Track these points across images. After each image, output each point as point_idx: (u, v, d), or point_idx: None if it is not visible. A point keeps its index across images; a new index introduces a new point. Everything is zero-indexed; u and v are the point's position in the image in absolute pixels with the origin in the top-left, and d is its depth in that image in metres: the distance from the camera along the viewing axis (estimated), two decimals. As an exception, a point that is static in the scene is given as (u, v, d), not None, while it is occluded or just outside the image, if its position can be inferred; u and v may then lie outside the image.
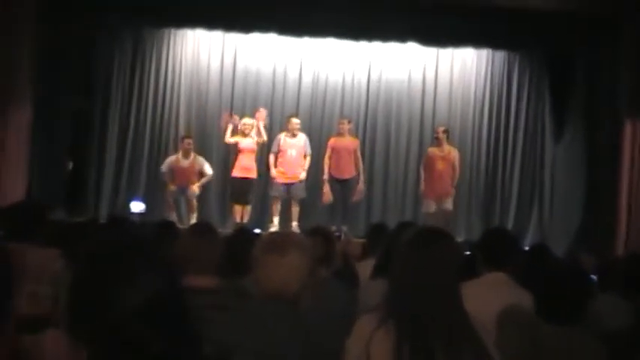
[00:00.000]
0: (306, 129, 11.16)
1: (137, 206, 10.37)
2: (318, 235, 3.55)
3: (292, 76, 11.72)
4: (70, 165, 11.01)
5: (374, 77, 11.74)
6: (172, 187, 10.25)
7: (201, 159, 10.41)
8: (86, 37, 10.89)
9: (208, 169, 10.39)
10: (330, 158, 10.25)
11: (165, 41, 11.66)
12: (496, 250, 3.49)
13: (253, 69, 11.67)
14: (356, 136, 10.86)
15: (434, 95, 11.71)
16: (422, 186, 10.15)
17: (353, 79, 11.75)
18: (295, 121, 10.32)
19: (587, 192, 10.50)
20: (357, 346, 2.04)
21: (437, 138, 10.11)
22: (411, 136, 11.68)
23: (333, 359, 2.11)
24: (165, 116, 11.57)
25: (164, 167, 10.38)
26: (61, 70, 10.43)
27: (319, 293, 2.17)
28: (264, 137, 10.34)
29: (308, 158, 10.33)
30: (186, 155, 10.30)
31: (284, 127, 10.66)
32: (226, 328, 1.94)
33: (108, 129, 11.31)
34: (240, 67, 11.67)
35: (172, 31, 11.64)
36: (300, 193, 10.27)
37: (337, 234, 8.63)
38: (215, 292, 2.64)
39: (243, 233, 4.06)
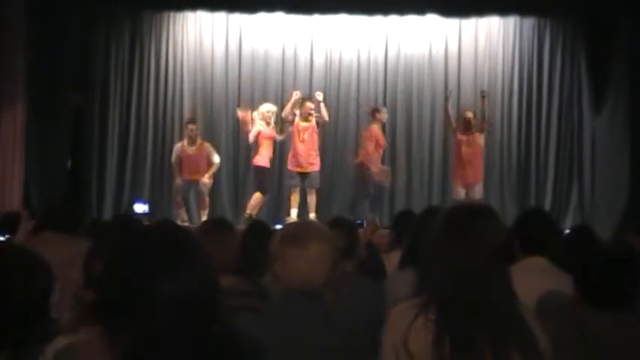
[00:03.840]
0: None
1: (140, 207, 10.47)
2: (339, 226, 3.56)
3: (303, 56, 11.70)
4: (69, 164, 11.10)
5: (392, 54, 11.70)
6: (179, 182, 10.29)
7: (208, 145, 10.45)
8: (82, 25, 10.95)
9: (216, 158, 10.43)
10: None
11: (165, 26, 11.69)
12: (534, 233, 3.49)
13: (261, 51, 11.67)
14: None
15: (458, 71, 11.65)
16: (450, 172, 10.20)
17: (369, 57, 11.71)
18: (310, 105, 10.33)
19: (631, 168, 10.42)
20: (392, 336, 2.02)
21: (466, 121, 10.10)
22: (435, 117, 11.62)
23: (362, 355, 2.13)
24: (169, 108, 11.61)
25: (173, 157, 10.44)
26: (56, 63, 10.50)
27: (345, 287, 2.19)
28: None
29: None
30: (191, 142, 10.34)
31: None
32: (249, 329, 1.97)
33: (108, 125, 11.39)
34: (246, 50, 11.68)
35: (172, 14, 11.67)
36: (315, 182, 10.28)
37: (359, 222, 8.67)
38: (233, 292, 2.66)
39: (258, 227, 4.10)
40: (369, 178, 10.20)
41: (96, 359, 1.40)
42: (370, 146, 10.22)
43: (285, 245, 2.18)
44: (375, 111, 10.45)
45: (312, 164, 10.22)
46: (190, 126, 10.40)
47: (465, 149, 9.99)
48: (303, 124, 10.23)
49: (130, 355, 1.23)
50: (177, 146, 10.48)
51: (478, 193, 10.01)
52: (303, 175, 10.25)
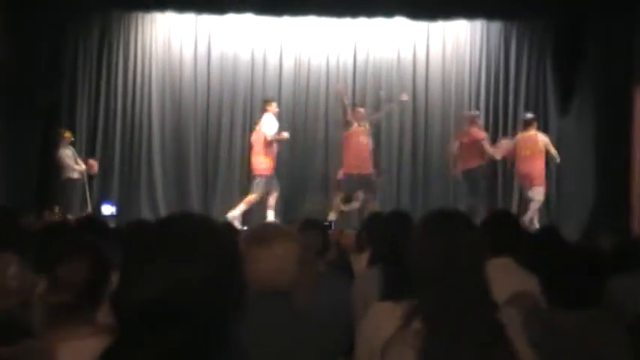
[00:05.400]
0: (290, 117, 11.24)
1: (108, 209, 10.39)
2: (311, 227, 3.59)
3: (272, 60, 11.71)
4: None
5: (360, 58, 11.77)
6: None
7: None
8: (51, 24, 10.80)
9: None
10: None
11: (134, 26, 11.63)
12: (500, 233, 3.53)
13: (230, 54, 11.65)
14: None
15: (426, 74, 11.75)
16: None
17: (338, 61, 11.76)
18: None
19: (597, 169, 10.56)
20: (369, 337, 2.01)
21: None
22: (403, 120, 11.71)
23: (331, 352, 2.14)
24: (137, 108, 11.54)
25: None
26: (25, 61, 10.36)
27: (316, 285, 2.20)
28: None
29: None
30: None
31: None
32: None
33: (76, 125, 11.27)
34: (215, 52, 11.65)
35: (141, 14, 11.60)
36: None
37: (328, 224, 8.71)
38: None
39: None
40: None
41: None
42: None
43: (249, 246, 2.20)
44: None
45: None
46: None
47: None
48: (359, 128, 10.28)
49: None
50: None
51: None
52: (359, 178, 10.22)
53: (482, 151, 10.23)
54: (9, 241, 3.73)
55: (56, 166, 10.69)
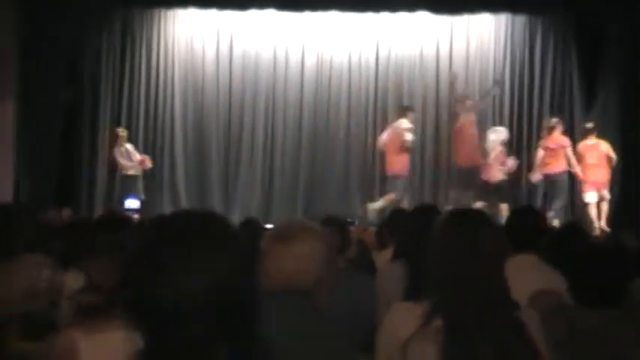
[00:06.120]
0: (312, 114, 11.26)
1: (132, 203, 10.45)
2: (331, 224, 3.58)
3: (294, 58, 11.70)
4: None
5: (382, 54, 11.71)
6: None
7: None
8: (73, 22, 10.91)
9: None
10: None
11: (156, 23, 11.68)
12: (524, 230, 3.51)
13: (252, 52, 11.67)
14: None
15: (449, 69, 11.65)
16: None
17: (360, 58, 11.72)
18: None
19: (622, 163, 10.46)
20: (389, 337, 2.03)
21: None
22: (426, 117, 11.65)
23: (353, 352, 2.14)
24: (160, 105, 11.62)
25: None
26: (47, 60, 10.47)
27: (337, 284, 2.18)
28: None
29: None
30: None
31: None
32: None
33: (99, 122, 11.36)
34: (237, 51, 11.67)
35: (163, 11, 11.65)
36: None
37: (350, 220, 8.72)
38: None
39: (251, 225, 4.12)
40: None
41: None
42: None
43: (274, 243, 2.18)
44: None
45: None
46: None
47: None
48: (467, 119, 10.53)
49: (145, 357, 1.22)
50: None
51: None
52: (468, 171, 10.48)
53: (567, 157, 10.21)
54: (34, 239, 3.76)
55: (113, 164, 10.92)
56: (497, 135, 10.48)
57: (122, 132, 10.86)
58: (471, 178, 10.50)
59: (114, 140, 10.88)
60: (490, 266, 2.02)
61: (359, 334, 2.47)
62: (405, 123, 10.39)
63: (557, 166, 10.22)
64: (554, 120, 10.49)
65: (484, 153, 10.49)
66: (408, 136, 10.29)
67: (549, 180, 10.36)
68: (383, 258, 4.06)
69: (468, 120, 10.52)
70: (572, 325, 2.62)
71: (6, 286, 3.05)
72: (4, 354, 2.35)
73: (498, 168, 10.31)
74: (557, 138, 10.27)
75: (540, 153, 10.35)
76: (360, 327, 2.65)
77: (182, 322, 1.20)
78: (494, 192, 10.27)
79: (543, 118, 11.37)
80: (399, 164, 10.36)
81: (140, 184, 10.83)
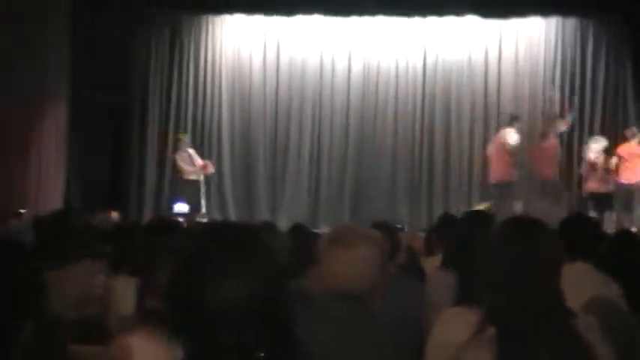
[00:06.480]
0: (358, 121, 11.26)
1: (182, 207, 10.57)
2: (381, 230, 3.57)
3: (341, 65, 11.71)
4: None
5: (430, 60, 11.64)
6: None
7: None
8: (123, 28, 11.12)
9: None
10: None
11: (204, 29, 11.83)
12: (577, 238, 3.45)
13: (298, 59, 11.71)
14: None
15: (498, 76, 11.54)
16: None
17: (407, 64, 11.66)
18: None
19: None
20: (441, 342, 2.00)
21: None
22: (474, 123, 11.54)
23: (402, 354, 2.12)
24: (207, 113, 11.76)
25: None
26: (98, 63, 10.69)
27: (388, 289, 2.17)
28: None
29: None
30: None
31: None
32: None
33: (148, 126, 11.55)
34: (284, 58, 11.74)
35: (211, 17, 11.78)
36: None
37: (399, 227, 8.69)
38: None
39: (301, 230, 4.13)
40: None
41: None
42: None
43: (331, 246, 2.17)
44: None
45: None
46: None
47: None
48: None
49: None
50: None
51: None
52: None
53: None
54: (86, 245, 3.82)
55: (175, 169, 11.01)
56: (599, 144, 10.32)
57: (183, 137, 10.96)
58: (557, 188, 10.35)
59: (176, 145, 10.98)
60: (546, 273, 2.00)
61: (408, 339, 2.46)
62: (511, 132, 10.31)
63: (633, 176, 10.02)
64: (634, 129, 10.31)
65: (586, 163, 10.35)
66: (512, 138, 10.19)
67: (625, 188, 10.16)
68: (432, 264, 4.03)
69: (555, 139, 10.40)
70: (630, 333, 2.57)
71: (61, 292, 3.10)
72: (61, 353, 2.38)
73: (603, 178, 10.17)
74: (633, 146, 10.09)
75: (615, 161, 10.17)
76: (409, 333, 2.63)
77: (227, 328, 1.22)
78: (603, 202, 10.14)
79: (595, 123, 11.18)
80: (502, 171, 10.26)
81: (201, 189, 10.90)
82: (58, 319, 2.49)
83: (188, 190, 10.77)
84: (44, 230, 3.75)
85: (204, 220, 9.72)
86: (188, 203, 10.69)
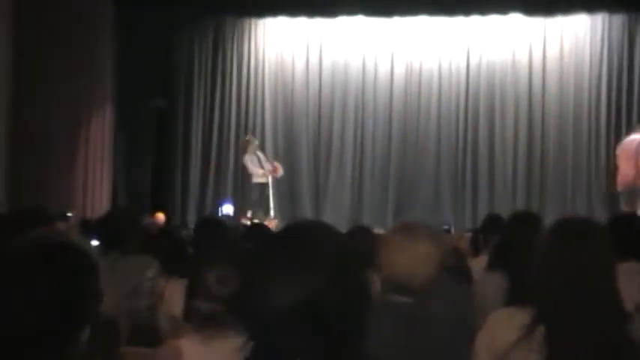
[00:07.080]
0: (401, 123, 11.24)
1: (229, 208, 10.65)
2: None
3: (383, 67, 11.69)
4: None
5: (473, 61, 11.55)
6: None
7: None
8: (166, 31, 11.28)
9: None
10: None
11: (247, 31, 11.93)
12: (627, 236, 3.42)
13: (341, 62, 11.73)
14: None
15: (542, 74, 11.39)
16: None
17: (450, 65, 11.59)
18: None
19: None
20: (488, 343, 2.00)
21: None
22: (518, 123, 11.42)
23: (451, 357, 2.13)
24: (251, 112, 11.85)
25: None
26: (142, 67, 10.87)
27: (437, 289, 2.19)
28: None
29: None
30: None
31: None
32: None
33: (192, 128, 11.71)
34: (326, 61, 11.76)
35: (254, 20, 11.88)
36: None
37: (446, 228, 8.68)
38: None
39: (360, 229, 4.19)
40: None
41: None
42: None
43: (395, 238, 2.18)
44: None
45: None
46: None
47: None
48: None
49: None
50: None
51: None
52: None
53: None
54: (136, 243, 3.93)
55: (244, 172, 11.04)
56: None
57: (251, 139, 10.91)
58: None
59: (244, 148, 10.95)
60: (599, 276, 1.98)
61: (456, 341, 2.47)
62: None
63: None
64: None
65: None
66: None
67: None
68: (478, 265, 4.03)
69: None
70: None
71: (115, 283, 3.18)
72: (114, 355, 2.43)
73: None
74: None
75: None
76: (458, 334, 2.64)
77: (288, 331, 1.21)
78: None
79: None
80: (628, 175, 10.01)
81: (269, 192, 10.82)
82: (113, 323, 2.55)
83: (255, 194, 10.72)
84: (113, 224, 3.90)
85: (255, 221, 9.75)
86: (257, 207, 10.63)
